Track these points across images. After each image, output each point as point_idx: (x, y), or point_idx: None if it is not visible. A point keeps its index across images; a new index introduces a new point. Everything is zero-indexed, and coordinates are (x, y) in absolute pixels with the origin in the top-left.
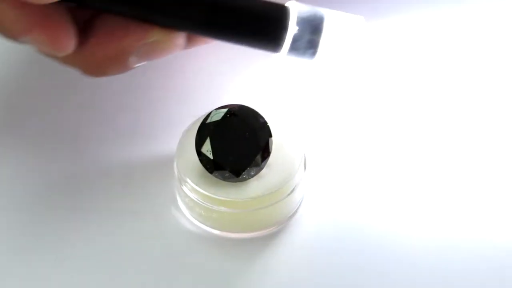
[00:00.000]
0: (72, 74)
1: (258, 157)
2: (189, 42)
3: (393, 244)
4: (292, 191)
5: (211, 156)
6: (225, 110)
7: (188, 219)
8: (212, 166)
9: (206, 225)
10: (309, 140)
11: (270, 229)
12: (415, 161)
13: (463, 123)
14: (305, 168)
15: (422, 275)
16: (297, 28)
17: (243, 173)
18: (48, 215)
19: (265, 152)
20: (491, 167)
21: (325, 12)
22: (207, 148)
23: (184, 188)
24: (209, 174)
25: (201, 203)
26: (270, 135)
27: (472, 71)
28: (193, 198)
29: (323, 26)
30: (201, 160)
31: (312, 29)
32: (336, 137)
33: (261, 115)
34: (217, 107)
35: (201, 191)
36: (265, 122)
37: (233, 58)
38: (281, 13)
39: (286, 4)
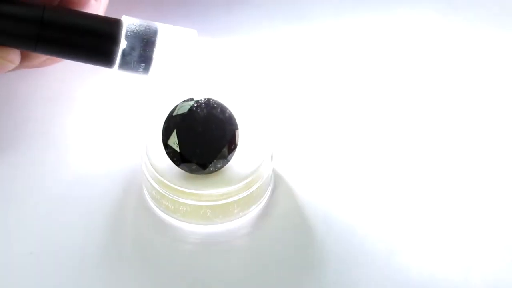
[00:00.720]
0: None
1: (225, 150)
2: (24, 59)
3: (358, 222)
4: (259, 183)
5: (177, 149)
6: (191, 102)
7: (155, 211)
8: (179, 158)
9: (174, 218)
10: (276, 131)
11: (239, 220)
12: (379, 151)
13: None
14: (272, 159)
15: (385, 252)
16: (126, 43)
17: (210, 165)
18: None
19: (232, 144)
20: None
21: (159, 26)
22: (173, 141)
23: (151, 180)
24: (176, 167)
25: (168, 195)
26: (237, 128)
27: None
28: (160, 190)
29: (156, 41)
30: (168, 153)
31: (144, 44)
32: (302, 127)
33: (227, 107)
34: (183, 99)
35: (168, 183)
36: (232, 115)
37: None
38: (112, 28)
39: (121, 18)
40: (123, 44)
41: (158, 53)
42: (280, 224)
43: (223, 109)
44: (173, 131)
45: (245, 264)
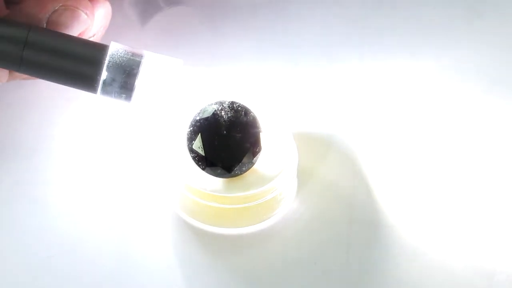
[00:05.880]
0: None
1: (250, 153)
2: (13, 73)
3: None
4: (284, 185)
5: (202, 153)
6: (215, 106)
7: (179, 214)
8: (204, 162)
9: (198, 220)
10: (301, 133)
11: (264, 223)
12: (409, 162)
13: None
14: (297, 161)
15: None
16: (107, 73)
17: (235, 168)
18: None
19: (256, 147)
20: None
21: (145, 56)
22: (198, 145)
23: (176, 183)
24: (201, 170)
25: (193, 198)
26: (261, 130)
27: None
28: (184, 193)
29: (139, 72)
30: (193, 157)
31: (125, 75)
32: (328, 129)
33: (251, 110)
34: (208, 103)
35: (193, 186)
36: (255, 117)
37: None
38: (96, 56)
39: (109, 44)
40: (104, 74)
41: (141, 83)
42: (305, 226)
43: (246, 112)
44: (197, 135)
45: (269, 269)
